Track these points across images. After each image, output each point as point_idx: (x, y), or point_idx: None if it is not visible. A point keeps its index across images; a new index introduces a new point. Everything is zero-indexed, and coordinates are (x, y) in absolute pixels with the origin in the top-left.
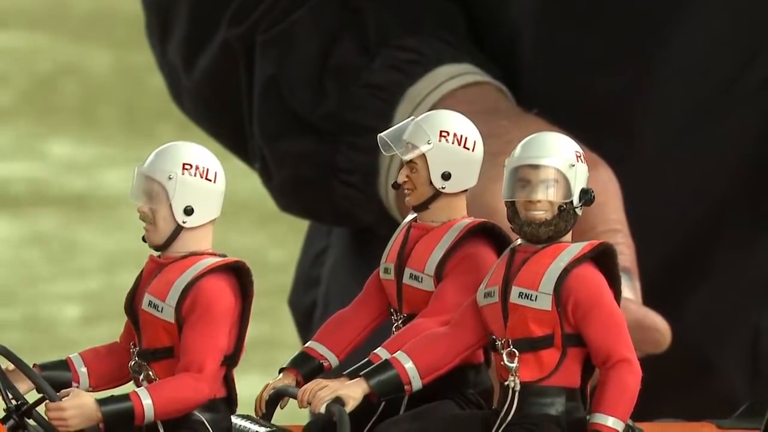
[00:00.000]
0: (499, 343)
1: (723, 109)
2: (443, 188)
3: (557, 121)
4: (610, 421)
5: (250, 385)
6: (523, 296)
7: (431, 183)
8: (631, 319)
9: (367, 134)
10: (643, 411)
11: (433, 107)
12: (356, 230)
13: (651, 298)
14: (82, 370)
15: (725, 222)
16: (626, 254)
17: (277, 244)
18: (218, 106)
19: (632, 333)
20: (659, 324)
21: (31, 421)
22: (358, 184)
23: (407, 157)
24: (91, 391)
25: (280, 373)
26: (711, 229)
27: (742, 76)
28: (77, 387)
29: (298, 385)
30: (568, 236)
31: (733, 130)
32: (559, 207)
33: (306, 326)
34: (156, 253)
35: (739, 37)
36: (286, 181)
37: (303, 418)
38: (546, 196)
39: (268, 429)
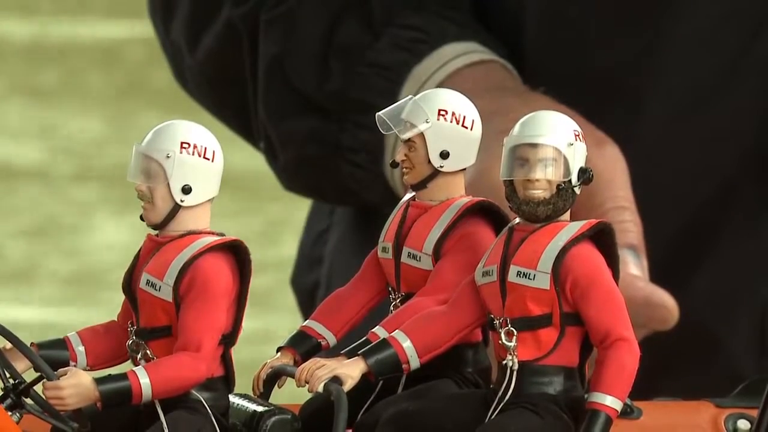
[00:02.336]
0: (497, 322)
1: (728, 85)
2: (441, 167)
3: (562, 96)
4: (608, 400)
5: None
6: (522, 275)
7: (429, 162)
8: (639, 297)
9: (372, 113)
10: (651, 388)
11: (439, 86)
12: (359, 209)
13: (658, 275)
14: (80, 349)
15: (732, 198)
16: (633, 231)
17: None
18: (222, 86)
19: (640, 310)
20: (667, 301)
21: (28, 400)
22: (364, 163)
23: (405, 136)
24: (88, 371)
25: (277, 352)
26: (717, 204)
27: (747, 52)
28: (75, 366)
29: (296, 364)
30: (567, 215)
31: (738, 106)
32: (558, 186)
33: (309, 306)
34: (154, 232)
35: (744, 11)
36: (291, 160)
37: (301, 397)
38: (544, 175)
39: (266, 408)
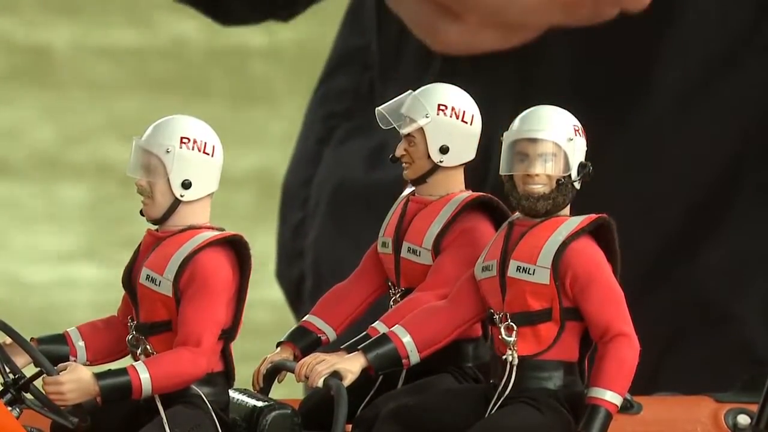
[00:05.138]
0: (497, 317)
1: (735, 65)
2: (441, 162)
3: (571, 79)
4: (608, 395)
5: None
6: (521, 270)
7: (429, 157)
8: None
9: None
10: (664, 364)
11: None
12: (333, 196)
13: (671, 250)
14: (80, 344)
15: (742, 174)
16: None
17: None
18: None
19: None
20: None
21: (28, 395)
22: None
23: (405, 131)
24: (88, 365)
25: (277, 347)
26: (728, 181)
27: (753, 33)
28: (75, 361)
29: (296, 359)
30: (567, 210)
31: (746, 84)
32: (557, 181)
33: (295, 298)
34: (154, 227)
35: None
36: None
37: (301, 392)
38: (544, 170)
39: (266, 403)
